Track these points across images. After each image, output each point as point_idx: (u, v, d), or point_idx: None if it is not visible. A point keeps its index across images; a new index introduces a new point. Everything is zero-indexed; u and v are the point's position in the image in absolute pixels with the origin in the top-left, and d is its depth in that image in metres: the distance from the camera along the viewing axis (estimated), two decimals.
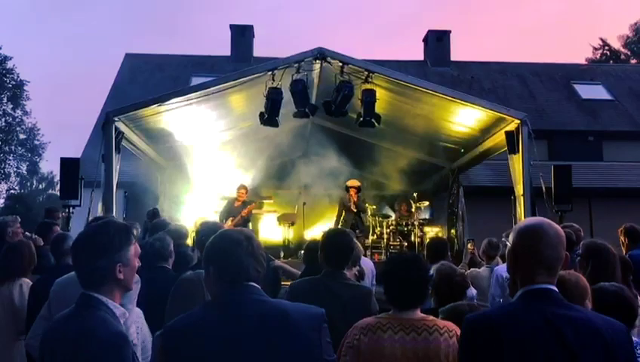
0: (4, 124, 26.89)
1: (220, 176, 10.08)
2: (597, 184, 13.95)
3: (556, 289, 1.77)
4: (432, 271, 3.06)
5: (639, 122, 16.98)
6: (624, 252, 4.88)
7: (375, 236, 9.99)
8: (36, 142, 28.99)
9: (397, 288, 2.52)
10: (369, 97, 7.74)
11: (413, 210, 10.30)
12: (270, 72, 7.53)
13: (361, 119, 8.01)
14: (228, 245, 1.88)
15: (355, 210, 9.95)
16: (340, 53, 7.75)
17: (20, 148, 28.26)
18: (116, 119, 7.31)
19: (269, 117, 8.00)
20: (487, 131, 8.48)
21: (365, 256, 6.62)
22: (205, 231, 3.32)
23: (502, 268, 5.24)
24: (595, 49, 34.23)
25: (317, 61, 7.75)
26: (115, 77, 18.41)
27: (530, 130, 7.38)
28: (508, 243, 1.89)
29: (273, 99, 7.71)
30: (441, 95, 7.91)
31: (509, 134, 7.61)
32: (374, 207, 10.58)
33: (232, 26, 20.15)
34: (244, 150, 10.33)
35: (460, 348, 1.86)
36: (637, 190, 14.11)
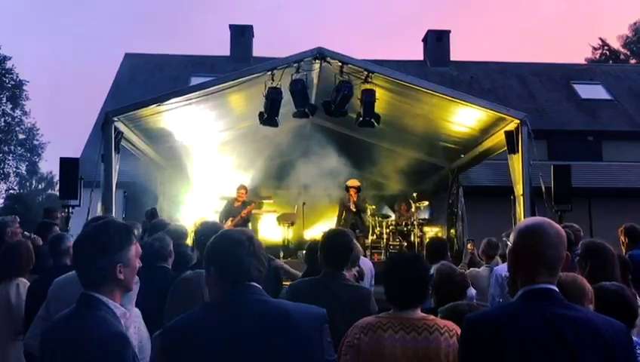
0: (3, 124, 26.88)
1: (219, 176, 10.07)
2: (596, 184, 13.96)
3: (557, 289, 1.77)
4: (432, 271, 3.06)
5: (639, 122, 17.00)
6: (624, 252, 4.88)
7: (375, 236, 10.00)
8: (35, 142, 29.02)
9: (397, 288, 2.52)
10: (368, 97, 7.73)
11: (412, 210, 10.30)
12: (270, 72, 7.53)
13: (361, 119, 8.00)
14: (229, 245, 1.88)
15: (355, 210, 9.94)
16: (339, 53, 7.74)
17: (19, 148, 28.25)
18: (116, 119, 7.31)
19: (269, 117, 7.99)
20: (486, 131, 8.47)
21: (365, 256, 6.63)
22: (205, 231, 3.32)
23: (501, 268, 5.23)
24: (595, 49, 34.31)
25: (316, 61, 7.74)
26: (115, 77, 18.42)
27: (529, 130, 7.38)
28: (508, 242, 1.89)
29: (273, 99, 7.70)
30: (440, 95, 7.91)
31: (508, 134, 7.61)
32: (374, 206, 10.59)
33: (231, 26, 20.16)
34: (243, 150, 10.33)
35: (460, 347, 1.86)
36: (637, 190, 14.12)
